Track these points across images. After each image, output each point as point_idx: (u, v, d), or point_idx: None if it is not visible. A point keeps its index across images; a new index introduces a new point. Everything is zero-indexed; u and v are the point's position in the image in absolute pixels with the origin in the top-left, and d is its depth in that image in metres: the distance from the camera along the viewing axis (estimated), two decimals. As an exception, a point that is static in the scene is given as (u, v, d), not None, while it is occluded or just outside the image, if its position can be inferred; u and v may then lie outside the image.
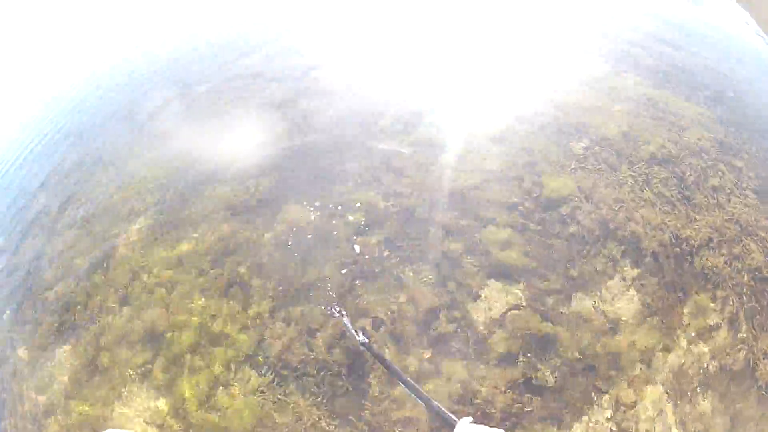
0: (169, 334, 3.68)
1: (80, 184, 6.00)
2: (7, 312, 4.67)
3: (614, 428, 3.00)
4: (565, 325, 3.25)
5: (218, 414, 3.20)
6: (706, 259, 3.74)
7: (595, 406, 3.05)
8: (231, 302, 3.73)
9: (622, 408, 3.07)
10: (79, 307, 4.25)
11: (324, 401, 3.10)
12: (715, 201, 4.20)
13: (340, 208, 4.14)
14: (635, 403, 3.08)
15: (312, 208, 4.18)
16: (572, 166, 4.02)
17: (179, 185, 5.05)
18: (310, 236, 3.97)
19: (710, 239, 3.88)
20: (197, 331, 3.63)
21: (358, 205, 4.09)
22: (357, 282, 3.58)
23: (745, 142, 4.81)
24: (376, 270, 3.60)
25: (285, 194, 4.42)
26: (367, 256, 3.69)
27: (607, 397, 3.08)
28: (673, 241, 3.77)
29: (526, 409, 2.99)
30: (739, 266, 3.80)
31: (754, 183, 4.50)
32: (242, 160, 5.08)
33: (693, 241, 3.80)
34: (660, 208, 3.90)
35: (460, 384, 3.03)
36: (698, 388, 3.18)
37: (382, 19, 7.83)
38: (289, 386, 3.19)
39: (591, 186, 3.90)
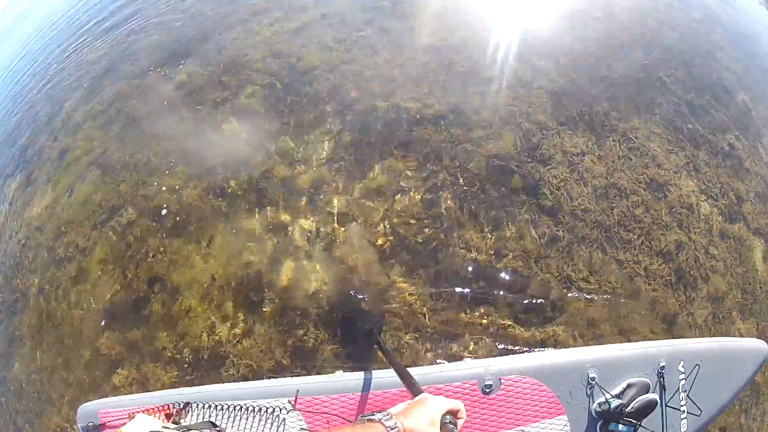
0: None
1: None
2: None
3: (271, 242, 3.68)
4: (262, 151, 4.30)
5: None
6: (426, 132, 4.22)
7: (252, 219, 3.81)
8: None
9: (277, 226, 3.74)
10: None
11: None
12: (479, 91, 4.55)
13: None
14: (286, 227, 3.72)
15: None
16: (337, 49, 4.88)
17: None
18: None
19: (439, 117, 4.24)
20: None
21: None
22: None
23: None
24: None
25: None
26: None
27: (268, 211, 3.83)
28: (391, 113, 4.36)
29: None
30: (470, 148, 4.09)
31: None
32: None
33: (415, 113, 4.28)
34: (396, 84, 4.54)
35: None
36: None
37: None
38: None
39: (340, 62, 4.74)
